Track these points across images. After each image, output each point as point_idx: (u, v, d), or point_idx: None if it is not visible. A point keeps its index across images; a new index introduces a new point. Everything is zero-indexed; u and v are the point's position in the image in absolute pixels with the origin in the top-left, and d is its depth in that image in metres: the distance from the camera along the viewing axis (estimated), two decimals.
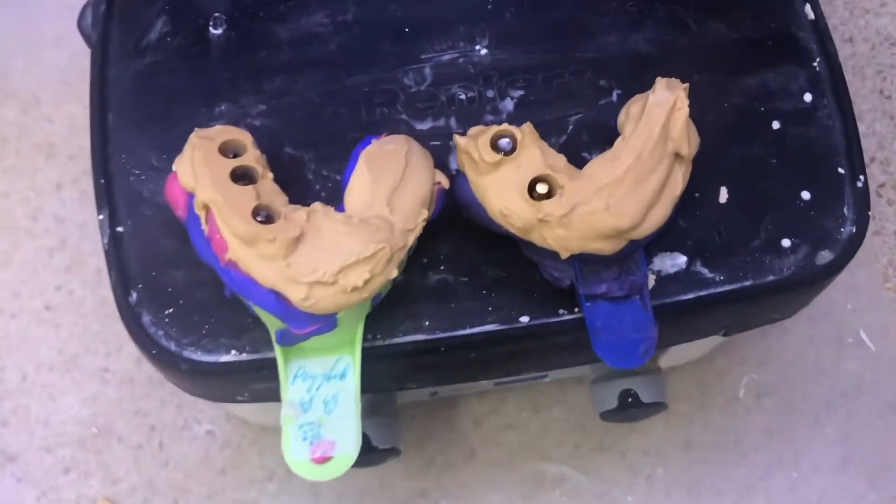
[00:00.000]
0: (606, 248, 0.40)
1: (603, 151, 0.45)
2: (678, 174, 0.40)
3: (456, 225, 0.43)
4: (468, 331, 0.43)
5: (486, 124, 0.46)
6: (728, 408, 0.64)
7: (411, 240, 0.39)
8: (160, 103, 0.46)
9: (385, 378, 0.46)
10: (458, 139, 0.41)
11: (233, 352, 0.42)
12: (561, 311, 0.44)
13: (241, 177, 0.39)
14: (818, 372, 0.66)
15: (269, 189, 0.39)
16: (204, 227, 0.39)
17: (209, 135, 0.40)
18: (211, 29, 0.47)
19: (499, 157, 0.40)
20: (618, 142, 0.41)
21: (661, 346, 0.50)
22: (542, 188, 0.40)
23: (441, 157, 0.45)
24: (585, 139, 0.46)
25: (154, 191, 0.44)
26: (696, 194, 0.45)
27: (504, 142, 0.40)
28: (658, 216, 0.40)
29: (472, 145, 0.40)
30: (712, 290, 0.44)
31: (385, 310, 0.42)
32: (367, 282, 0.37)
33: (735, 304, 0.45)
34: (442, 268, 0.44)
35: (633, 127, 0.41)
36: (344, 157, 0.45)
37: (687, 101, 0.40)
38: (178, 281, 0.43)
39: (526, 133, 0.40)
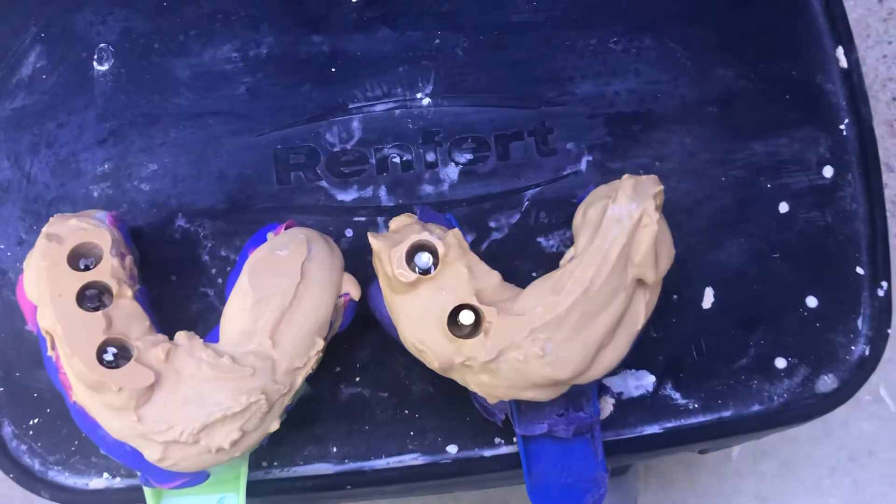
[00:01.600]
0: (542, 396, 0.32)
1: (562, 239, 0.37)
2: (640, 304, 0.32)
3: (376, 326, 0.36)
4: (383, 462, 0.36)
5: (423, 197, 0.38)
6: (718, 469, 0.57)
7: (299, 380, 0.32)
8: (31, 160, 0.38)
9: None
10: (371, 239, 0.33)
11: (105, 475, 0.36)
12: (497, 441, 0.36)
13: (93, 298, 0.31)
14: (825, 432, 0.58)
15: (124, 312, 0.31)
16: (50, 352, 0.32)
17: (60, 234, 0.32)
18: (95, 64, 0.39)
19: (415, 276, 0.32)
20: (566, 262, 0.33)
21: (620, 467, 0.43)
22: (466, 317, 0.32)
23: (365, 240, 0.37)
24: (543, 220, 0.38)
25: (20, 270, 0.37)
26: (674, 296, 0.37)
27: (423, 259, 0.32)
28: (609, 359, 0.32)
29: (386, 255, 0.32)
30: (683, 422, 0.36)
31: (285, 431, 0.35)
32: (235, 442, 0.30)
33: (711, 436, 0.37)
34: (357, 379, 0.37)
35: (587, 240, 0.32)
36: (248, 234, 0.37)
37: (656, 217, 0.31)
38: (46, 384, 0.37)
39: (451, 246, 0.32)
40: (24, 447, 0.36)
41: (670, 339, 0.37)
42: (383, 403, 0.36)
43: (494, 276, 0.32)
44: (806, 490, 0.58)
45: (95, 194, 0.38)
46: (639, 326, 0.32)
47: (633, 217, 0.31)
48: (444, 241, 0.32)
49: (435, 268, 0.32)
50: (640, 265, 0.31)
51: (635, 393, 0.37)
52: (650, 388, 0.37)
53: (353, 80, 0.39)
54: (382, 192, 0.38)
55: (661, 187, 0.32)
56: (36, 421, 0.36)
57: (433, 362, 0.32)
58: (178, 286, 0.37)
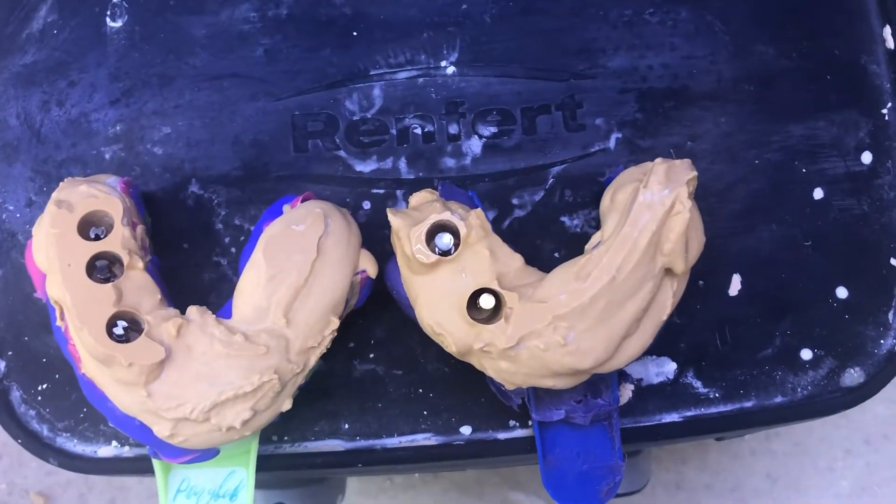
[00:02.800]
0: (561, 384, 0.31)
1: (587, 219, 0.36)
2: (667, 294, 0.31)
3: (392, 302, 0.35)
4: (395, 441, 0.35)
5: (444, 171, 0.36)
6: (730, 448, 0.57)
7: (313, 360, 0.31)
8: (41, 119, 0.37)
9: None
10: (391, 216, 0.32)
11: (114, 443, 0.36)
12: (512, 424, 0.36)
13: (103, 269, 0.31)
14: (840, 414, 0.57)
15: (135, 284, 0.31)
16: (59, 322, 0.31)
17: (71, 200, 0.31)
18: (108, 20, 0.37)
19: (435, 257, 0.30)
20: (591, 246, 0.32)
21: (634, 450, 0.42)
22: (486, 301, 0.31)
23: (383, 214, 0.36)
24: (568, 198, 0.36)
25: (30, 232, 0.36)
26: (700, 282, 0.36)
27: (444, 240, 0.31)
28: (633, 350, 0.31)
29: (405, 234, 0.31)
30: (703, 411, 0.35)
31: (297, 406, 0.35)
32: (246, 421, 0.30)
33: (731, 426, 0.36)
34: (371, 356, 0.36)
35: (615, 225, 0.31)
36: (263, 203, 0.36)
37: (689, 204, 0.30)
38: (55, 349, 0.36)
39: (473, 227, 0.31)
40: (32, 412, 0.36)
41: (694, 325, 0.36)
42: (397, 381, 0.36)
43: (517, 260, 0.31)
44: (819, 471, 0.58)
45: (107, 156, 0.37)
46: (664, 316, 0.31)
47: (664, 203, 0.30)
48: (467, 222, 0.31)
49: (456, 249, 0.31)
50: (670, 254, 0.30)
51: (655, 380, 0.36)
52: (671, 376, 0.36)
53: (376, 45, 0.37)
54: (402, 163, 0.37)
55: (695, 173, 0.31)
56: (44, 386, 0.36)
57: (451, 346, 0.31)
58: (190, 255, 0.36)
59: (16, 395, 0.36)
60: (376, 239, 0.36)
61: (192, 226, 0.36)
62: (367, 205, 0.37)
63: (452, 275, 0.31)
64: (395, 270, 0.33)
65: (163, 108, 0.37)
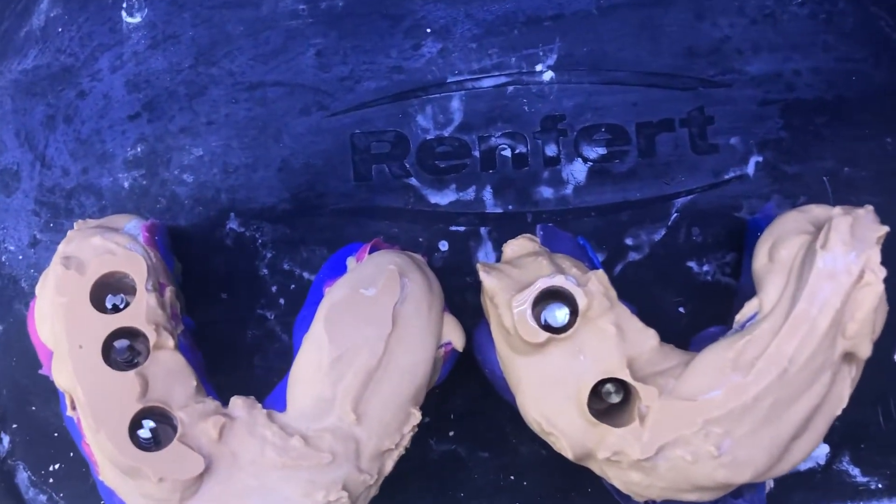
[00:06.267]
0: (707, 497, 0.24)
1: (720, 265, 0.29)
2: (844, 384, 0.24)
3: (476, 366, 0.28)
4: None
5: (539, 203, 0.29)
6: None
7: (389, 465, 0.25)
8: (45, 138, 0.30)
9: None
10: (484, 276, 0.25)
11: None
12: None
13: (123, 350, 0.24)
14: None
15: (165, 369, 0.24)
16: (71, 412, 0.25)
17: (81, 258, 0.25)
18: (124, 14, 0.30)
19: (545, 336, 0.24)
20: (744, 317, 0.25)
21: None
22: (612, 394, 0.24)
23: (464, 257, 0.29)
24: (696, 238, 0.29)
25: (36, 278, 0.30)
26: None
27: (558, 315, 0.24)
28: (800, 454, 0.24)
29: (504, 301, 0.24)
30: None
31: None
32: None
33: None
34: (451, 433, 0.30)
35: (778, 293, 0.24)
36: (317, 244, 0.29)
37: (883, 273, 0.23)
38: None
39: (594, 296, 0.24)
40: (42, 498, 0.30)
41: (851, 399, 0.29)
42: (483, 466, 0.29)
43: (651, 338, 0.24)
44: None
45: (126, 184, 0.30)
46: (839, 411, 0.24)
47: (850, 272, 0.23)
48: (586, 289, 0.24)
49: (571, 323, 0.24)
50: (855, 336, 0.23)
51: (803, 466, 0.29)
52: (822, 461, 0.29)
53: (455, 46, 0.30)
54: (487, 194, 0.30)
55: (886, 229, 0.23)
56: (57, 467, 0.30)
57: (565, 450, 0.24)
58: (229, 308, 0.30)
59: (22, 476, 0.30)
60: (455, 288, 0.29)
61: (231, 271, 0.30)
62: (443, 245, 0.30)
63: (568, 358, 0.24)
64: (486, 340, 0.26)
65: (193, 124, 0.30)
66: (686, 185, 0.30)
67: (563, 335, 0.24)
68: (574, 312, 0.24)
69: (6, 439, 0.30)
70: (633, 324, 0.24)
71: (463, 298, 0.29)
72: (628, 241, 0.30)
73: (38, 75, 0.30)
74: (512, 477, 0.29)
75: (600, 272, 0.24)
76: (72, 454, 0.30)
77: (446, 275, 0.29)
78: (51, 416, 0.30)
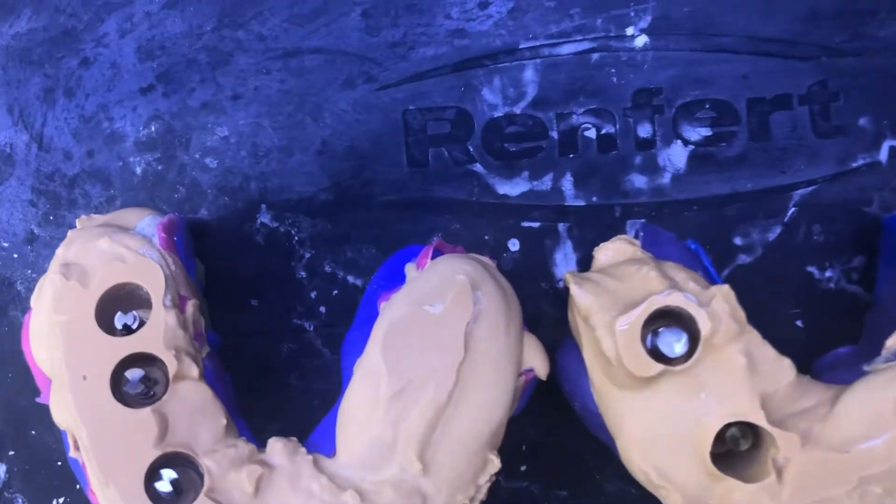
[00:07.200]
0: None
1: (845, 270, 0.24)
2: None
3: (551, 390, 0.24)
4: None
5: (629, 194, 0.25)
6: None
7: None
8: (43, 115, 0.26)
9: None
10: (575, 288, 0.20)
11: None
12: None
13: (137, 382, 0.19)
14: None
15: (188, 405, 0.20)
16: (74, 453, 0.20)
17: (85, 266, 0.20)
18: None
19: (659, 368, 0.19)
20: None
21: None
22: (739, 441, 0.19)
23: (540, 255, 0.25)
24: (817, 238, 0.24)
25: (34, 281, 0.26)
26: None
27: (675, 344, 0.19)
28: None
29: (604, 324, 0.19)
30: None
31: None
32: None
33: None
34: (523, 468, 0.25)
35: None
36: (364, 242, 0.25)
37: None
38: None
39: (720, 319, 0.19)
40: None
41: None
42: None
43: (787, 370, 0.20)
44: None
45: (138, 170, 0.25)
46: None
47: None
48: (710, 310, 0.19)
49: (691, 351, 0.19)
50: None
51: None
52: None
53: (529, 4, 0.25)
54: (567, 183, 0.25)
55: None
56: (61, 501, 0.26)
57: None
58: (261, 316, 0.25)
59: None
60: (528, 296, 0.24)
61: (262, 274, 0.25)
62: (514, 245, 0.25)
63: (686, 396, 0.19)
64: (575, 366, 0.22)
65: (216, 99, 0.25)
66: (806, 175, 0.25)
67: (680, 367, 0.19)
68: (693, 339, 0.19)
69: (2, 468, 0.26)
70: (766, 352, 0.20)
71: (537, 309, 0.25)
72: (737, 241, 0.25)
73: (34, 40, 0.26)
74: None
75: (726, 288, 0.20)
76: (77, 486, 0.26)
77: (517, 281, 0.24)
78: (52, 442, 0.26)
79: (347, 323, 0.23)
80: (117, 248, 0.20)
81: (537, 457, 0.25)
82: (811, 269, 0.25)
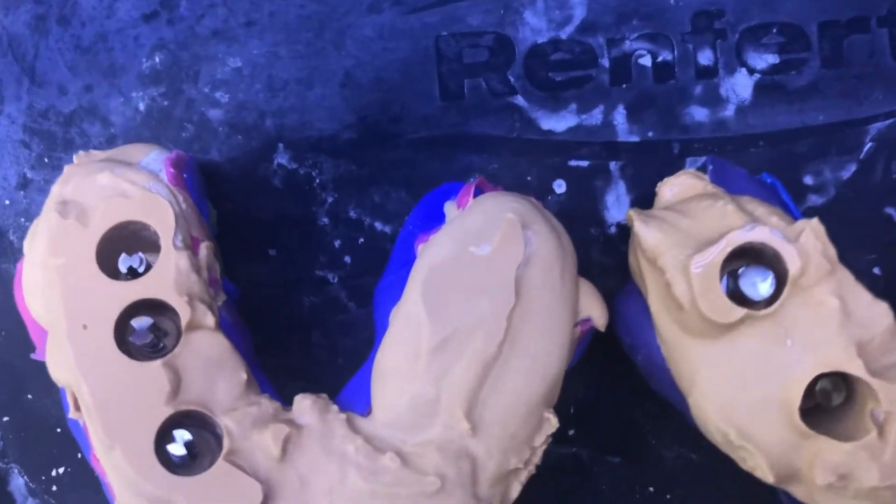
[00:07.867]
0: None
1: None
2: None
3: (602, 345, 0.21)
4: None
5: (689, 129, 0.22)
6: None
7: (515, 491, 0.18)
8: (35, 45, 0.23)
9: None
10: (638, 222, 0.18)
11: None
12: None
13: (145, 332, 0.17)
14: None
15: (203, 358, 0.17)
16: (74, 414, 0.18)
17: (84, 203, 0.18)
18: None
19: (742, 311, 0.17)
20: None
21: None
22: (831, 395, 0.17)
23: (590, 197, 0.22)
24: None
25: (27, 229, 0.23)
26: None
27: (759, 285, 0.17)
28: None
29: (676, 264, 0.17)
30: None
31: None
32: None
33: None
34: (571, 432, 0.23)
35: None
36: (393, 185, 0.22)
37: None
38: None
39: (810, 255, 0.17)
40: None
41: None
42: (613, 474, 0.23)
43: (885, 315, 0.17)
44: None
45: (141, 106, 0.23)
46: None
47: None
48: (799, 247, 0.17)
49: (776, 294, 0.17)
50: None
51: None
52: None
53: None
54: (619, 116, 0.22)
55: None
56: (60, 471, 0.23)
57: (762, 470, 0.17)
58: (279, 267, 0.23)
59: (18, 482, 0.23)
60: (576, 242, 0.22)
61: (281, 220, 0.23)
62: (560, 186, 0.23)
63: (771, 344, 0.17)
64: (637, 316, 0.19)
65: (227, 26, 0.23)
66: (885, 106, 0.22)
67: (764, 311, 0.17)
68: (779, 280, 0.17)
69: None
70: (861, 294, 0.17)
71: (586, 258, 0.22)
72: (807, 180, 0.22)
73: None
74: (651, 489, 0.23)
75: (815, 221, 0.17)
76: (79, 455, 0.23)
77: (564, 226, 0.22)
78: (51, 406, 0.23)
79: (375, 274, 0.21)
80: (121, 184, 0.18)
81: (586, 420, 0.23)
82: (889, 210, 0.22)
